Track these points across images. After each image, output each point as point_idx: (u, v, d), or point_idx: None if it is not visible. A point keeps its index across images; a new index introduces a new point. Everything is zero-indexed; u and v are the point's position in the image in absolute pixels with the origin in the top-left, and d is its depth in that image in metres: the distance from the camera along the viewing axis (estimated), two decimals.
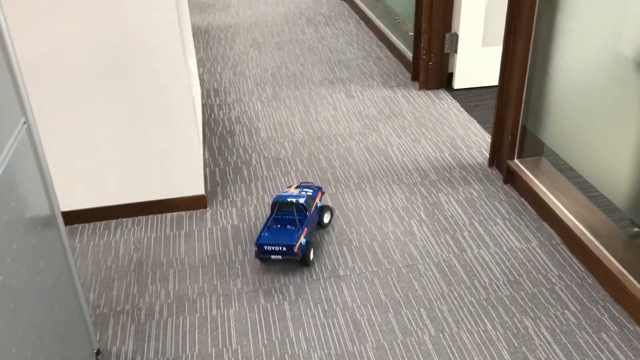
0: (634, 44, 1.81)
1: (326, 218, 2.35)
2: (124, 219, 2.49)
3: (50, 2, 2.04)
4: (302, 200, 2.20)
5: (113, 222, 2.48)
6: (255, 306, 2.02)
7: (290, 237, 2.13)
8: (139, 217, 2.51)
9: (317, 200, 2.31)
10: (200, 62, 4.10)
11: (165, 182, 2.46)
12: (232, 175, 2.77)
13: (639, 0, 1.77)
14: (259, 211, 2.50)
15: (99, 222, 2.48)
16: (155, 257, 2.28)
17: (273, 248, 2.10)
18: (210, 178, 2.76)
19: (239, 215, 2.49)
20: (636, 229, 2.15)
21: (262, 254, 2.13)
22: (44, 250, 1.43)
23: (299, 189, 2.31)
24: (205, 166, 2.83)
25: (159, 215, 2.51)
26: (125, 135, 2.33)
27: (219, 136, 3.12)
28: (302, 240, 2.12)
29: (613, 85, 1.92)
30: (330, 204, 2.51)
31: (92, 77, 2.19)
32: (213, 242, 2.34)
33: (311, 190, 2.32)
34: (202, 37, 4.59)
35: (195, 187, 2.49)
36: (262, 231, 2.18)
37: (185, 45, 2.53)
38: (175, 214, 2.52)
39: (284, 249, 2.09)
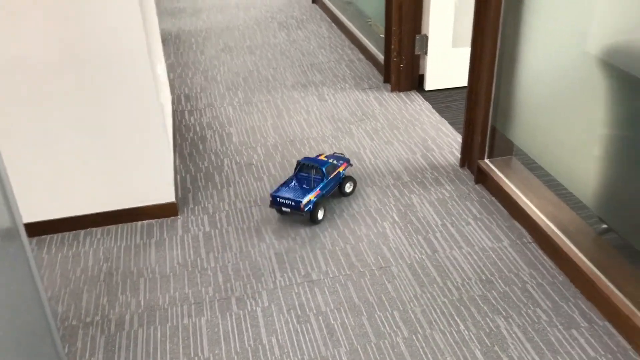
0: (599, 42, 1.83)
1: (348, 188, 2.54)
2: (93, 229, 2.45)
3: (10, 8, 2.00)
4: (321, 166, 2.43)
5: (82, 232, 2.44)
6: (228, 314, 2.00)
7: (302, 194, 2.34)
8: (109, 226, 2.47)
9: (341, 169, 2.51)
10: (170, 68, 4.06)
11: (135, 190, 2.43)
12: (203, 182, 2.74)
13: None
14: (231, 217, 2.48)
15: (68, 233, 2.44)
16: (126, 266, 2.24)
17: (284, 201, 2.34)
18: (181, 185, 2.73)
19: (211, 222, 2.46)
20: (604, 226, 2.18)
21: (275, 205, 2.38)
22: (5, 263, 1.39)
23: (327, 157, 2.55)
24: (176, 173, 2.80)
25: (129, 224, 2.47)
26: (92, 144, 2.29)
27: (190, 142, 3.09)
28: (312, 199, 2.34)
29: (579, 84, 1.95)
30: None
31: (55, 84, 2.15)
32: (184, 249, 2.31)
33: (336, 160, 2.54)
34: (173, 42, 4.55)
35: (166, 194, 2.46)
36: (280, 185, 2.43)
37: (152, 51, 2.50)
38: (145, 222, 2.48)
39: (293, 203, 2.32)
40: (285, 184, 2.44)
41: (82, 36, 2.09)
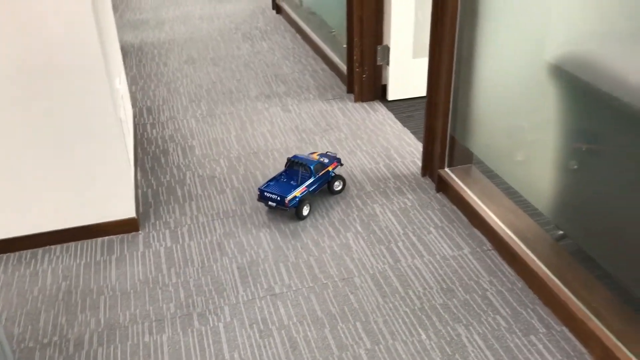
0: (552, 49, 1.88)
1: (337, 186, 2.63)
2: (52, 247, 2.40)
3: None
4: (310, 164, 2.52)
5: (40, 250, 2.38)
6: (189, 330, 1.97)
7: (287, 190, 2.43)
8: (68, 243, 2.42)
9: (331, 168, 2.60)
10: (133, 80, 4.02)
11: (95, 206, 2.39)
12: (165, 196, 2.71)
13: (557, 5, 1.84)
14: (193, 232, 2.46)
15: (25, 251, 2.38)
16: (85, 284, 2.20)
17: (270, 196, 2.44)
18: (142, 199, 2.69)
19: (172, 237, 2.44)
20: (560, 232, 2.23)
21: (262, 199, 2.48)
22: None
23: (319, 156, 2.64)
24: (137, 187, 2.76)
25: (89, 241, 2.43)
26: (49, 160, 2.25)
27: (151, 156, 3.06)
28: (297, 195, 2.43)
29: (533, 93, 1.99)
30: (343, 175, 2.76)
31: (9, 99, 2.11)
32: (145, 265, 2.28)
33: (327, 159, 2.63)
34: (135, 54, 4.51)
35: (126, 210, 2.43)
36: (269, 180, 2.52)
37: (110, 64, 2.47)
38: (106, 238, 2.44)
39: (278, 198, 2.42)
40: (275, 179, 2.53)
41: (35, 49, 2.05)
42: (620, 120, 1.62)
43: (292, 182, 2.49)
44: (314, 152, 2.70)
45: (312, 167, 2.51)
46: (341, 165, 2.71)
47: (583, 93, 1.76)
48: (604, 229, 1.74)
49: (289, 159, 2.57)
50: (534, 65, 1.95)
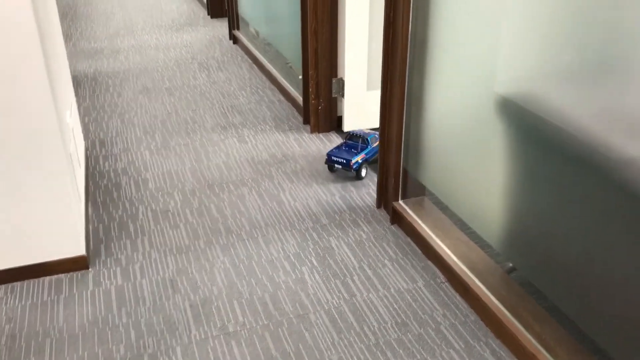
0: (501, 82, 1.93)
1: (363, 172, 3.09)
2: None
3: None
4: (367, 136, 3.10)
5: None
6: None
7: (351, 155, 3.01)
8: (13, 283, 2.33)
9: (377, 144, 3.10)
10: (86, 111, 3.95)
11: (42, 244, 2.32)
12: (116, 231, 2.65)
13: (506, 39, 1.89)
14: (145, 269, 2.41)
15: None
16: (31, 327, 2.12)
17: (337, 159, 3.03)
18: (93, 235, 2.63)
19: (124, 274, 2.38)
20: (511, 264, 2.27)
21: (329, 162, 3.07)
22: None
23: (371, 131, 3.21)
24: (87, 223, 2.69)
25: (35, 280, 2.35)
26: None
27: (103, 190, 2.99)
28: (359, 160, 3.01)
29: (480, 125, 2.04)
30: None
31: None
32: (95, 305, 2.21)
33: (377, 136, 3.12)
34: (89, 84, 4.44)
35: (75, 247, 2.36)
36: (334, 148, 3.10)
37: (60, 97, 2.42)
38: (54, 277, 2.37)
39: (344, 161, 3.01)
40: (337, 147, 3.11)
41: None
42: (567, 154, 1.68)
43: (353, 150, 3.06)
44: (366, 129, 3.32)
45: (368, 139, 3.09)
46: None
47: (530, 126, 1.81)
48: (551, 262, 1.78)
49: (347, 132, 3.24)
50: (482, 98, 2.00)
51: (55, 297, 2.26)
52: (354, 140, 3.11)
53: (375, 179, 3.06)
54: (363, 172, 3.06)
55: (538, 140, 1.77)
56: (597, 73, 1.51)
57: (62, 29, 5.93)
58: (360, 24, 3.33)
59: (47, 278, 2.36)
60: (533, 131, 1.78)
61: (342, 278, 2.34)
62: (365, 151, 3.07)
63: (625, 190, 1.48)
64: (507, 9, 1.82)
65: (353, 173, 3.09)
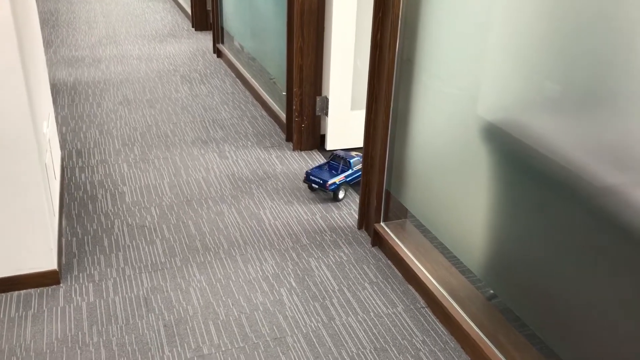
0: (485, 106, 1.93)
1: (341, 194, 3.04)
2: None
3: None
4: (349, 159, 3.05)
5: None
6: None
7: (330, 176, 2.96)
8: None
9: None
10: (63, 121, 3.87)
11: (10, 257, 2.24)
12: (90, 246, 2.57)
13: (490, 64, 1.89)
14: (118, 285, 2.33)
15: None
16: None
17: (314, 179, 2.98)
18: (66, 249, 2.55)
19: (96, 291, 2.30)
20: (492, 291, 2.25)
21: (307, 181, 3.02)
22: None
23: (356, 155, 3.12)
24: (61, 236, 2.61)
25: (3, 295, 2.26)
26: None
27: (79, 202, 2.92)
28: (337, 182, 2.96)
29: (464, 149, 2.03)
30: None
31: None
32: (65, 323, 2.14)
33: (360, 159, 3.08)
34: (68, 93, 4.36)
35: (46, 261, 2.29)
36: (315, 167, 3.06)
37: (37, 106, 2.36)
38: (22, 292, 2.28)
39: (321, 182, 2.95)
40: (319, 166, 3.06)
41: None
42: (550, 181, 1.67)
43: (333, 171, 3.02)
44: (354, 151, 3.28)
45: (350, 161, 3.04)
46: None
47: (514, 152, 1.80)
48: (532, 289, 1.76)
49: (331, 153, 3.21)
50: (467, 122, 1.99)
51: (24, 312, 2.18)
52: (336, 161, 3.08)
53: (357, 200, 3.04)
54: (341, 194, 3.01)
55: (521, 167, 1.76)
56: (581, 102, 1.51)
57: (43, 36, 5.84)
58: (346, 43, 3.33)
59: (16, 293, 2.28)
60: (516, 157, 1.78)
61: (321, 300, 2.30)
62: (346, 173, 3.02)
63: (608, 219, 1.47)
64: (493, 35, 1.82)
65: (330, 194, 3.06)
